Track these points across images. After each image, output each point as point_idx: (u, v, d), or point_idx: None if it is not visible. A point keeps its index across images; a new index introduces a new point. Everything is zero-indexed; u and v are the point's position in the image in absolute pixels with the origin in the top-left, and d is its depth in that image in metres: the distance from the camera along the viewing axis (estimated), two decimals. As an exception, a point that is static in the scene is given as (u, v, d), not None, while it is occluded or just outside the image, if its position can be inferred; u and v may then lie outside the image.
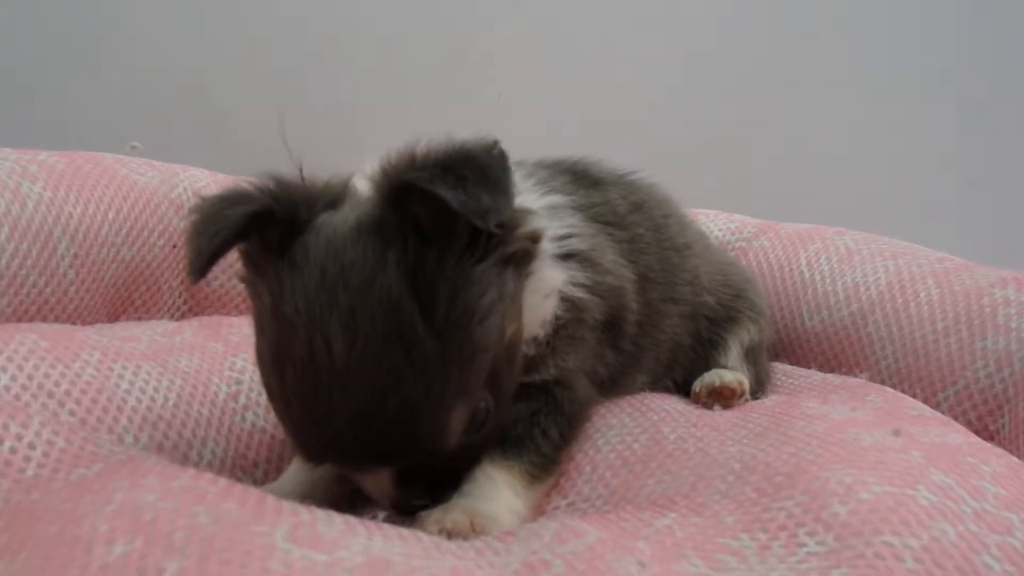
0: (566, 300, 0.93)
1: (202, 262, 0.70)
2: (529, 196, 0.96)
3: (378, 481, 0.78)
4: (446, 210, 0.68)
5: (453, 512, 0.76)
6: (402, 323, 0.70)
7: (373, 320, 0.70)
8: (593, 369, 1.01)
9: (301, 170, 0.81)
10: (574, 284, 0.93)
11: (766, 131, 2.33)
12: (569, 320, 0.94)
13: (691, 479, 0.83)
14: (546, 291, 0.90)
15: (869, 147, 2.36)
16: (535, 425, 0.88)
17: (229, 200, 0.75)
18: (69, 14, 1.99)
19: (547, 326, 0.91)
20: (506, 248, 0.79)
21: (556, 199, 1.00)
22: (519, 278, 0.82)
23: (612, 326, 1.03)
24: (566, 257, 0.94)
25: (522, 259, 0.82)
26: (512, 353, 0.82)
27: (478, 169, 0.71)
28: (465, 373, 0.73)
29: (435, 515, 0.76)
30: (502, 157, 0.76)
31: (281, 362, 0.73)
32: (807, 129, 2.36)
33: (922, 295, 1.33)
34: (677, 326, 1.18)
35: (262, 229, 0.75)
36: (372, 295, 0.70)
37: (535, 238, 0.85)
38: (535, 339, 0.90)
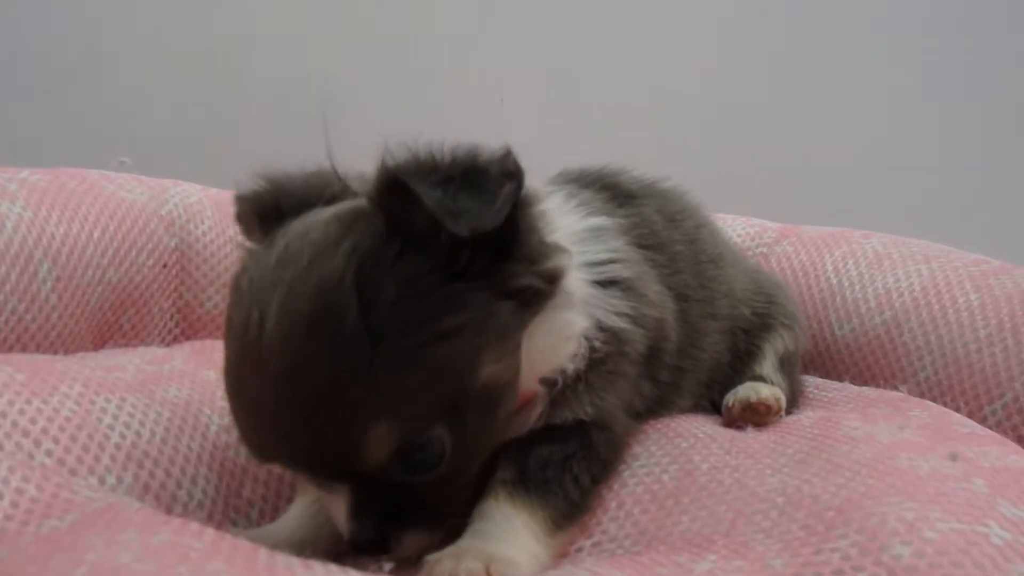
0: (606, 331, 0.84)
1: None
2: (570, 218, 0.89)
3: (336, 506, 0.71)
4: (430, 213, 0.64)
5: (466, 559, 0.68)
6: (335, 310, 0.64)
7: (308, 299, 0.65)
8: (630, 403, 0.93)
9: (333, 166, 0.81)
10: (616, 313, 0.85)
11: (783, 130, 2.27)
12: (609, 353, 0.85)
13: (729, 515, 0.75)
14: (565, 334, 0.81)
15: (889, 145, 2.29)
16: (567, 470, 0.79)
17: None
18: (54, 28, 1.94)
19: (578, 360, 0.82)
20: (512, 280, 0.72)
21: (599, 221, 0.92)
22: (523, 315, 0.73)
23: (651, 358, 0.95)
24: (608, 284, 0.86)
25: (532, 297, 0.74)
26: (491, 397, 0.72)
27: (470, 173, 0.67)
28: (401, 389, 0.65)
29: (445, 562, 0.68)
30: (509, 169, 0.69)
31: (226, 335, 0.71)
32: (824, 127, 2.29)
33: (960, 301, 1.25)
34: (717, 343, 1.11)
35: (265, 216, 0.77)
36: (313, 275, 0.66)
37: (553, 278, 0.76)
38: (562, 372, 0.82)
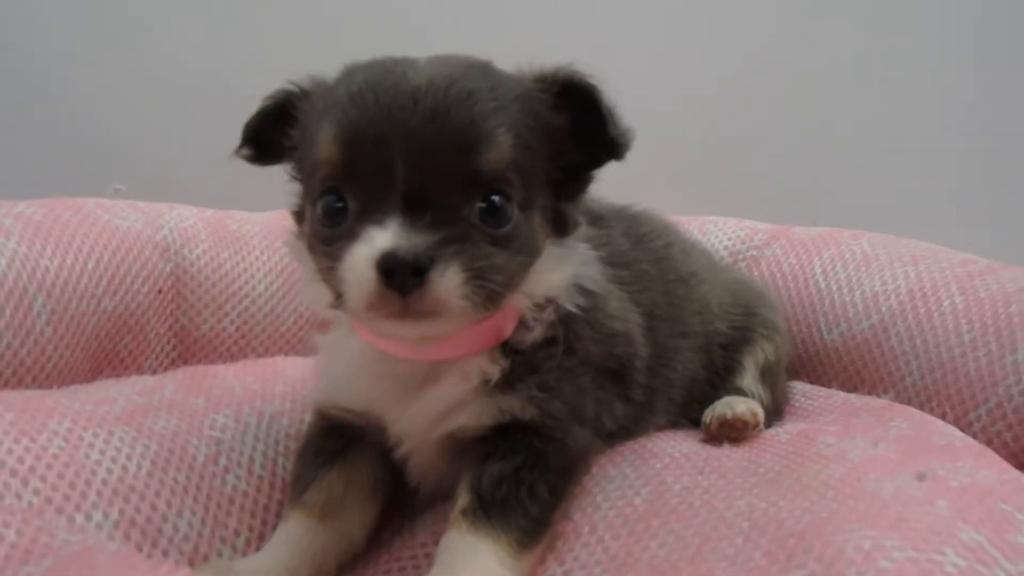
0: (561, 316, 0.89)
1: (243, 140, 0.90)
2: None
3: (376, 237, 0.71)
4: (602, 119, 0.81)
5: None
6: (489, 68, 0.83)
7: (463, 61, 0.82)
8: (598, 419, 0.94)
9: None
10: (574, 305, 0.90)
11: (775, 130, 2.25)
12: (557, 339, 0.88)
13: (696, 541, 0.76)
14: (557, 268, 0.88)
15: (884, 142, 2.27)
16: (520, 483, 0.80)
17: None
18: (46, 60, 1.96)
19: (536, 331, 0.87)
20: (565, 205, 0.87)
21: (585, 247, 0.97)
22: (549, 228, 0.85)
23: (619, 375, 0.97)
24: (573, 287, 0.91)
25: (560, 222, 0.87)
26: (533, 236, 0.82)
27: (624, 128, 0.83)
28: (515, 128, 0.77)
29: None
30: (630, 140, 0.84)
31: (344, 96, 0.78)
32: (819, 126, 2.27)
33: (945, 304, 1.25)
34: (690, 361, 1.11)
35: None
36: (464, 59, 0.83)
37: (576, 222, 0.90)
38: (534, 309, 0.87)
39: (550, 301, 0.88)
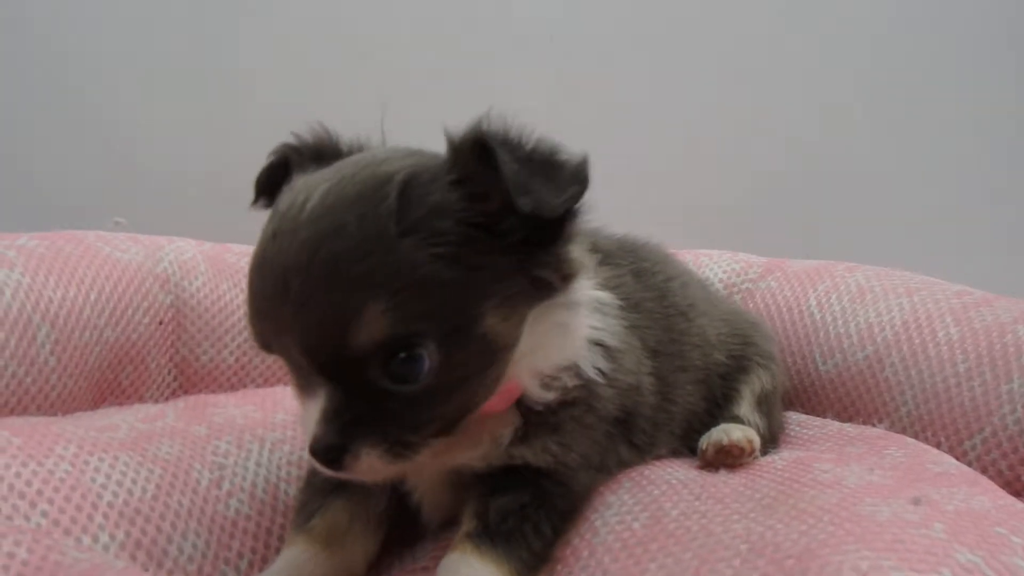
0: (582, 379, 0.88)
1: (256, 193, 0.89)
2: (587, 282, 0.92)
3: (309, 414, 0.72)
4: (503, 180, 0.69)
5: None
6: (378, 195, 0.70)
7: (356, 184, 0.72)
8: (603, 464, 0.95)
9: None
10: (595, 368, 0.89)
11: (771, 158, 2.27)
12: (578, 400, 0.88)
13: (695, 563, 0.76)
14: (563, 333, 0.85)
15: (879, 176, 2.30)
16: (525, 519, 0.82)
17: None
18: (48, 92, 1.99)
19: (552, 393, 0.85)
20: (536, 268, 0.77)
21: (601, 295, 0.95)
22: (532, 297, 0.78)
23: (626, 423, 0.98)
24: (593, 344, 0.90)
25: (541, 286, 0.78)
26: (486, 348, 0.75)
27: (548, 163, 0.73)
28: (408, 284, 0.68)
29: None
30: (581, 174, 0.74)
31: (265, 225, 0.75)
32: (814, 159, 2.29)
33: (940, 335, 1.27)
34: (690, 394, 1.12)
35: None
36: (368, 171, 0.73)
37: (568, 278, 0.81)
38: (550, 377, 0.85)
39: (568, 368, 0.86)
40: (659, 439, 1.07)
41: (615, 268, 1.06)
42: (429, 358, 0.70)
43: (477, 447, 0.85)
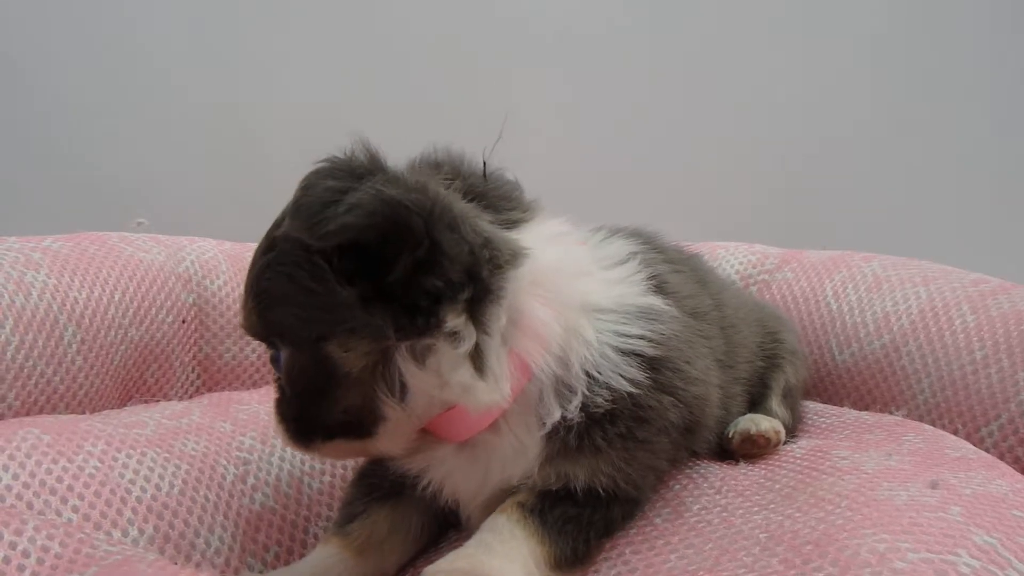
0: (611, 390, 0.81)
1: None
2: (623, 289, 0.87)
3: None
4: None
5: (460, 561, 0.73)
6: (271, 240, 0.78)
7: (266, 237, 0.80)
8: (665, 471, 0.94)
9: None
10: (628, 379, 0.81)
11: (784, 150, 2.27)
12: (617, 415, 0.82)
13: (715, 553, 0.78)
14: (509, 339, 0.77)
15: (894, 165, 2.29)
16: (582, 531, 0.81)
17: None
18: (72, 96, 2.02)
19: (572, 410, 0.80)
20: (414, 294, 0.72)
21: (652, 302, 0.87)
22: (384, 336, 0.73)
23: (689, 432, 0.92)
24: (628, 354, 0.82)
25: (400, 326, 0.73)
26: (330, 369, 0.75)
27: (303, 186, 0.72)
28: (259, 287, 0.78)
29: (441, 565, 0.72)
30: (337, 172, 0.72)
31: None
32: (829, 149, 2.29)
33: (957, 322, 1.27)
34: (740, 405, 1.13)
35: None
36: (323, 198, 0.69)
37: (472, 274, 0.73)
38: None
39: (590, 376, 0.80)
40: (703, 439, 1.02)
41: (682, 276, 1.02)
42: (284, 358, 0.80)
43: (499, 461, 0.83)
